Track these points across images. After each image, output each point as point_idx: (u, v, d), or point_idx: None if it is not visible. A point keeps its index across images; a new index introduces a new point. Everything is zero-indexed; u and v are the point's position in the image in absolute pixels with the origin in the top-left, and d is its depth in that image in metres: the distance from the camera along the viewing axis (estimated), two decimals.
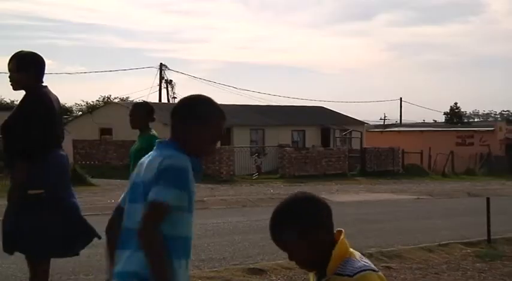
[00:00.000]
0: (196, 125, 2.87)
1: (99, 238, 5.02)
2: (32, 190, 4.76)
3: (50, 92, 5.02)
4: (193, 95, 2.97)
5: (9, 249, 4.95)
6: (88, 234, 5.02)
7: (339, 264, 2.23)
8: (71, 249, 5.01)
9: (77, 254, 5.10)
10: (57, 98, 5.10)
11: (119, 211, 2.96)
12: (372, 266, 2.25)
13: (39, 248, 4.81)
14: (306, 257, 2.26)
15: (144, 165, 2.84)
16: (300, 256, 2.26)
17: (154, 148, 2.92)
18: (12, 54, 5.02)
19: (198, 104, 2.91)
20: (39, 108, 4.81)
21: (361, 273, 2.19)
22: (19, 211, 4.83)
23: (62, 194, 4.89)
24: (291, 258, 2.29)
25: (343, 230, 2.31)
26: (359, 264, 2.22)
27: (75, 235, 4.91)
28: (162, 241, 2.66)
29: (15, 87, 4.99)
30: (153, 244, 2.62)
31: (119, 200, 3.00)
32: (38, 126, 4.78)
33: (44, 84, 5.02)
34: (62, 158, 4.99)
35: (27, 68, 4.92)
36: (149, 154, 2.91)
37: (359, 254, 2.30)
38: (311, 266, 2.30)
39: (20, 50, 5.08)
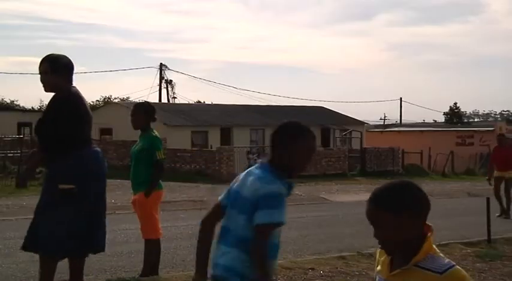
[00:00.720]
0: (293, 146, 3.35)
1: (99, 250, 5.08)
2: (63, 185, 4.82)
3: (79, 93, 5.08)
4: (285, 121, 3.50)
5: (33, 248, 5.02)
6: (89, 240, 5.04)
7: (422, 258, 2.27)
8: (95, 246, 5.07)
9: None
10: (85, 100, 5.17)
11: (217, 208, 3.51)
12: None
13: (58, 247, 4.87)
14: (395, 238, 2.30)
15: (247, 182, 3.30)
16: (390, 234, 2.30)
17: (256, 166, 3.40)
18: (43, 57, 5.10)
19: (289, 128, 3.44)
20: (69, 109, 4.89)
21: (451, 269, 2.25)
22: (47, 209, 4.89)
23: (92, 190, 4.95)
24: (377, 234, 2.34)
25: (431, 225, 2.36)
26: (446, 261, 2.28)
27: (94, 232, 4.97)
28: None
29: (46, 89, 5.07)
30: (263, 256, 3.15)
31: (219, 198, 3.52)
32: (66, 126, 4.84)
33: (73, 85, 5.08)
34: (96, 154, 5.06)
35: (58, 70, 5.00)
36: (252, 171, 3.36)
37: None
38: (394, 248, 2.34)
39: (50, 53, 5.15)
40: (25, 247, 5.15)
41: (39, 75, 5.08)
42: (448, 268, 2.25)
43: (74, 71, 5.17)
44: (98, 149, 5.19)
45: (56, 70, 4.99)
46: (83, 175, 4.87)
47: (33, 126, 5.30)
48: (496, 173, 14.82)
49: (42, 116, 5.08)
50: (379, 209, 2.33)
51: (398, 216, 2.28)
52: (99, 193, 5.05)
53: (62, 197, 4.82)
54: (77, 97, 5.00)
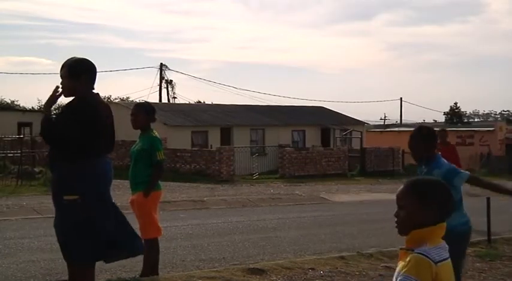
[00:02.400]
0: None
1: (134, 254, 5.07)
2: (67, 196, 4.77)
3: (100, 100, 4.99)
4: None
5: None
6: (119, 248, 5.02)
7: (418, 244, 2.57)
8: (101, 256, 5.01)
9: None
10: (108, 107, 5.07)
11: None
12: (436, 256, 2.53)
13: (73, 254, 4.84)
14: (410, 219, 2.64)
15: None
16: (408, 216, 2.65)
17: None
18: (65, 61, 4.98)
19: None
20: (84, 116, 4.79)
21: (414, 254, 2.52)
22: (58, 216, 4.87)
23: (96, 203, 4.90)
24: (398, 213, 2.69)
25: (445, 223, 2.64)
26: (425, 248, 2.54)
27: (103, 242, 4.93)
28: None
29: (66, 94, 4.95)
30: None
31: None
32: (78, 132, 4.75)
33: (94, 91, 4.99)
34: (105, 165, 4.98)
35: (77, 75, 4.88)
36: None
37: (445, 244, 2.61)
38: (406, 229, 2.66)
39: (72, 56, 5.03)
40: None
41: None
42: (416, 253, 2.52)
43: (96, 76, 5.02)
44: (109, 160, 5.10)
45: (74, 75, 4.86)
46: (87, 186, 4.82)
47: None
48: None
49: (57, 118, 5.03)
50: (410, 191, 2.68)
51: (422, 202, 2.61)
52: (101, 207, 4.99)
53: (67, 208, 4.79)
54: (92, 105, 4.85)
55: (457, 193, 5.12)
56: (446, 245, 2.65)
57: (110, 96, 61.70)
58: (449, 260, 2.61)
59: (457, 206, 4.93)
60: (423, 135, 5.28)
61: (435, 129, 13.71)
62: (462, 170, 5.38)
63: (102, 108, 4.95)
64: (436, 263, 2.52)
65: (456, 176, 5.17)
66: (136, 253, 5.25)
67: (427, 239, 2.59)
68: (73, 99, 4.94)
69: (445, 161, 5.32)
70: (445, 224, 2.65)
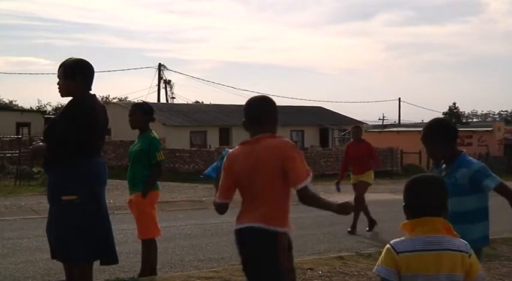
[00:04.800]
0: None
1: (115, 262, 5.07)
2: (65, 196, 4.77)
3: (96, 101, 4.98)
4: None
5: (55, 256, 5.01)
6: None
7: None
8: (99, 255, 5.01)
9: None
10: (104, 108, 5.05)
11: None
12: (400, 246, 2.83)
13: (73, 253, 4.84)
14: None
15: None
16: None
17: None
18: (63, 61, 4.98)
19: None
20: (81, 117, 4.79)
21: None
22: (56, 216, 4.86)
23: (94, 203, 4.90)
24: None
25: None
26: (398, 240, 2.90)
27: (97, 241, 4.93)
28: None
29: (62, 94, 4.96)
30: None
31: None
32: (75, 134, 4.75)
33: (91, 93, 4.97)
34: (99, 165, 4.98)
35: (73, 76, 4.87)
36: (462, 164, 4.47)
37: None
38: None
39: (69, 57, 5.04)
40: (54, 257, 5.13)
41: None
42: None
43: (93, 77, 5.02)
44: (102, 160, 5.09)
45: (69, 76, 4.87)
46: (85, 186, 4.83)
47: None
48: (352, 179, 11.76)
49: (53, 119, 5.02)
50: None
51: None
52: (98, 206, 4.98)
53: (65, 208, 4.79)
54: (88, 106, 4.83)
55: (482, 199, 4.49)
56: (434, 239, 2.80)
57: (108, 96, 61.73)
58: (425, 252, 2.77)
59: (482, 215, 4.51)
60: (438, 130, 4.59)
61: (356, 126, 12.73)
62: (494, 174, 4.47)
63: (99, 109, 4.95)
64: (398, 253, 2.80)
65: (487, 178, 4.37)
66: (116, 261, 5.21)
67: (407, 230, 2.89)
68: (70, 101, 4.94)
69: (473, 159, 4.55)
70: (423, 219, 2.84)
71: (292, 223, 4.05)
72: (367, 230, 11.25)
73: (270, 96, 4.45)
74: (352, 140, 12.17)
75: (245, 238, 3.90)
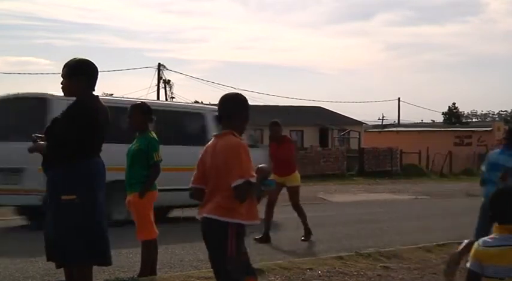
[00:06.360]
0: None
1: (110, 263, 5.07)
2: (65, 196, 4.77)
3: (98, 102, 4.97)
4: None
5: (52, 258, 5.00)
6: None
7: None
8: (99, 255, 5.00)
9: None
10: (106, 109, 5.04)
11: None
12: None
13: (73, 254, 4.83)
14: None
15: None
16: None
17: None
18: (67, 61, 4.99)
19: None
20: (81, 117, 4.79)
21: None
22: (55, 216, 4.86)
23: (93, 202, 4.89)
24: None
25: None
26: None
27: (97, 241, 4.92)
28: None
29: (65, 94, 4.98)
30: None
31: None
32: (75, 134, 4.76)
33: (94, 93, 4.98)
34: (99, 165, 4.99)
35: (75, 76, 4.88)
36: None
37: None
38: None
39: (73, 57, 5.04)
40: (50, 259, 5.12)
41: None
42: None
43: (97, 77, 5.02)
44: (101, 160, 5.09)
45: (72, 76, 4.88)
46: (85, 186, 4.83)
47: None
48: (276, 179, 8.99)
49: (55, 118, 5.03)
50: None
51: None
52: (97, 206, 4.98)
53: (65, 208, 4.79)
54: (89, 107, 4.83)
55: None
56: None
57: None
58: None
59: None
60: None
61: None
62: None
63: (100, 110, 4.95)
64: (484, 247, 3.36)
65: None
66: (110, 263, 5.21)
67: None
68: (72, 104, 4.96)
69: None
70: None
71: (258, 215, 4.23)
72: (302, 240, 10.03)
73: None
74: (272, 138, 10.90)
75: (203, 228, 4.17)
